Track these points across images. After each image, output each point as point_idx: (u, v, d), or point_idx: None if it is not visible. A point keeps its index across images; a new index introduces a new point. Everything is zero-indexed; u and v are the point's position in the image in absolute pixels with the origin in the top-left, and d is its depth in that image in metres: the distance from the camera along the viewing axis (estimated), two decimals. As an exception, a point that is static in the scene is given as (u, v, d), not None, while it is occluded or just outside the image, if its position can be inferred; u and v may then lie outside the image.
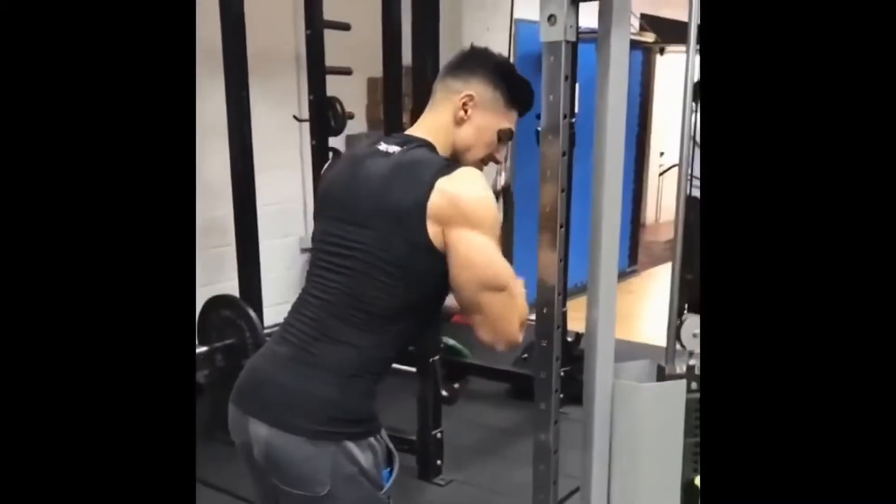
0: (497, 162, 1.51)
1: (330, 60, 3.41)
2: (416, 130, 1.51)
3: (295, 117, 4.15)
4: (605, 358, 1.66)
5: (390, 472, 1.44)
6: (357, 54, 3.80)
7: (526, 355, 3.87)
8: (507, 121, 1.51)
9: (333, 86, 3.47)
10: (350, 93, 4.11)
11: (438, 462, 2.98)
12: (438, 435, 2.94)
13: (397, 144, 1.45)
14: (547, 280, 1.56)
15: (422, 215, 1.33)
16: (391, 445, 1.46)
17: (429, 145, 1.46)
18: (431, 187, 1.33)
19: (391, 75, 3.27)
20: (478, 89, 1.47)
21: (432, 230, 1.34)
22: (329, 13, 3.37)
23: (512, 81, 1.50)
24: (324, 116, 3.47)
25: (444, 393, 2.95)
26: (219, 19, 3.09)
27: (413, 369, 2.85)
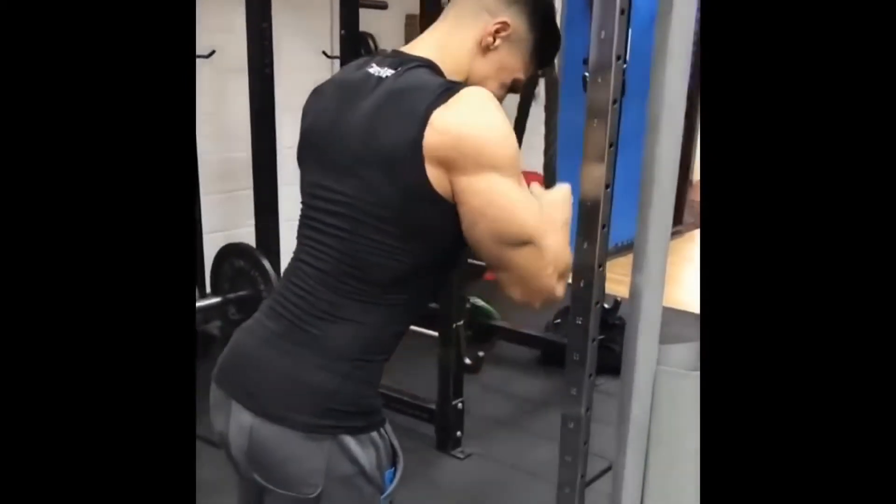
0: None
1: (366, -6, 3.20)
2: (416, 47, 1.22)
3: (325, 53, 3.91)
4: (650, 334, 1.40)
5: (394, 473, 1.22)
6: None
7: (559, 320, 3.64)
8: (524, 71, 1.26)
9: (368, 21, 3.23)
10: (386, 30, 3.85)
11: (458, 434, 2.79)
12: (459, 405, 2.74)
13: (391, 66, 1.16)
14: (586, 249, 1.32)
15: (417, 156, 1.06)
16: (396, 443, 1.24)
17: (430, 65, 1.17)
18: (426, 120, 1.06)
19: (428, 12, 3.01)
20: (515, 21, 1.20)
21: (433, 174, 1.07)
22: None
23: (548, 31, 1.26)
24: (355, 53, 3.25)
25: (467, 361, 2.73)
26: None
27: (434, 333, 2.63)
